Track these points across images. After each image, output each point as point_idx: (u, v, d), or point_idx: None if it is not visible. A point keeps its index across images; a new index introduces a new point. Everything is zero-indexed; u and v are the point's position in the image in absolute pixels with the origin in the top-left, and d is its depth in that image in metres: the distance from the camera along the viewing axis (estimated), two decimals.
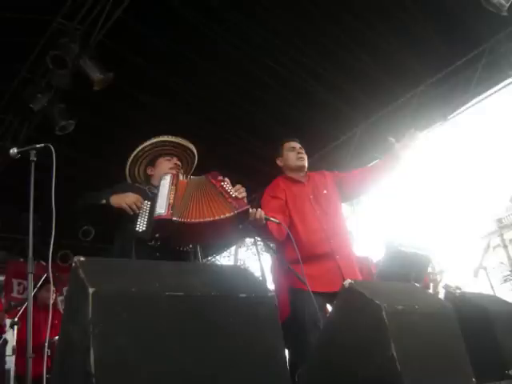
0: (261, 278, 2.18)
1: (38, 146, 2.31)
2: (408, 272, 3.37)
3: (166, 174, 2.33)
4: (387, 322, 1.52)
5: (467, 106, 5.61)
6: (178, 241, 2.24)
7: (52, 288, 3.79)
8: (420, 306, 1.79)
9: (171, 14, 3.98)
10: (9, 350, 3.69)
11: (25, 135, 4.60)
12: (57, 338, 3.09)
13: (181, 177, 2.30)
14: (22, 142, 4.42)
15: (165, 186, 2.20)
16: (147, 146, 2.47)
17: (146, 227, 2.13)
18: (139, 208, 2.18)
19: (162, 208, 2.07)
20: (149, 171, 2.53)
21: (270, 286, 2.63)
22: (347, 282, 1.72)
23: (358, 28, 4.52)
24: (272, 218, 2.41)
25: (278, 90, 5.10)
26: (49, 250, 2.10)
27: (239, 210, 2.08)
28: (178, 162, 2.51)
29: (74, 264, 1.23)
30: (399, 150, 2.83)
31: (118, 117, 4.93)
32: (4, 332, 3.83)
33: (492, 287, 4.78)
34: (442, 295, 4.15)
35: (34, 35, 3.88)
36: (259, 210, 2.30)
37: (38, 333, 3.05)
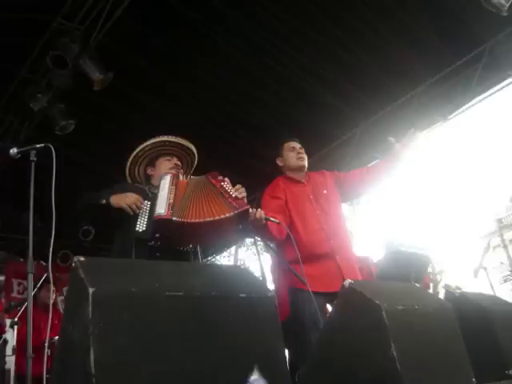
0: (261, 278, 2.18)
1: (38, 146, 2.30)
2: (408, 272, 3.37)
3: (165, 173, 2.33)
4: (387, 322, 1.52)
5: (467, 105, 5.60)
6: (178, 241, 2.23)
7: (52, 288, 3.80)
8: (420, 306, 1.79)
9: (171, 13, 3.97)
10: (9, 350, 3.69)
11: (25, 135, 4.60)
12: (57, 337, 3.10)
13: (181, 177, 2.31)
14: (22, 141, 4.42)
15: (165, 186, 2.20)
16: (147, 145, 2.47)
17: (146, 227, 2.13)
18: (139, 208, 2.17)
19: (161, 208, 2.07)
20: (149, 171, 2.53)
21: (270, 286, 2.62)
22: (347, 281, 1.72)
23: (357, 28, 4.52)
24: (272, 218, 2.41)
25: (278, 89, 5.10)
26: (49, 250, 2.10)
27: (239, 210, 2.08)
28: (178, 162, 2.51)
29: (74, 264, 1.23)
30: (399, 150, 2.83)
31: (117, 117, 4.93)
32: (4, 332, 3.83)
33: (492, 287, 4.77)
34: (442, 295, 4.16)
35: (34, 35, 3.88)
36: (259, 209, 2.30)
37: (38, 333, 3.05)
